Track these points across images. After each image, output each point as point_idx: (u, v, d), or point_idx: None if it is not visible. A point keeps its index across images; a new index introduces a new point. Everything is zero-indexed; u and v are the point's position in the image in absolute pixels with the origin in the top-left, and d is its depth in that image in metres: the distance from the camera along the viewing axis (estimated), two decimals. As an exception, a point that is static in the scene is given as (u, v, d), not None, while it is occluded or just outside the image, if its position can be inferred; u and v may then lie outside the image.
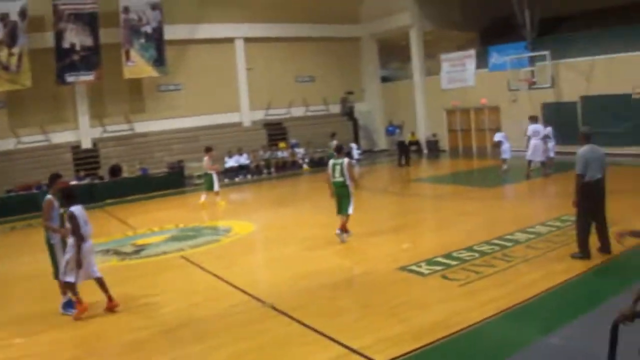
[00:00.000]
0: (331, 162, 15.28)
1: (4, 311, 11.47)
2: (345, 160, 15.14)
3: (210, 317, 9.96)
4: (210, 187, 23.30)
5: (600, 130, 27.51)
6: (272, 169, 34.07)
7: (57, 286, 11.02)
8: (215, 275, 12.51)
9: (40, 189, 25.42)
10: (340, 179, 14.89)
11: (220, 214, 21.78)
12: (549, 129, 23.87)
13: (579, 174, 11.17)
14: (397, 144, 32.59)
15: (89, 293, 10.77)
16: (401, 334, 8.36)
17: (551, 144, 23.69)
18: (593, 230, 11.23)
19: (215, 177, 23.36)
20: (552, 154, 23.79)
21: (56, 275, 10.98)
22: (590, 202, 11.19)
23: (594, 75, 28.72)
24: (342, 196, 14.98)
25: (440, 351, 7.85)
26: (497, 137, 25.87)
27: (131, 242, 17.42)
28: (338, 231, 14.87)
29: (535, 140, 23.02)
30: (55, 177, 11.48)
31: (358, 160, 35.98)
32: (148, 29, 32.94)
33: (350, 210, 14.91)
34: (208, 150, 23.61)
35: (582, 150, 11.38)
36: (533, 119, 24.40)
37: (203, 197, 23.46)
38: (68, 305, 10.78)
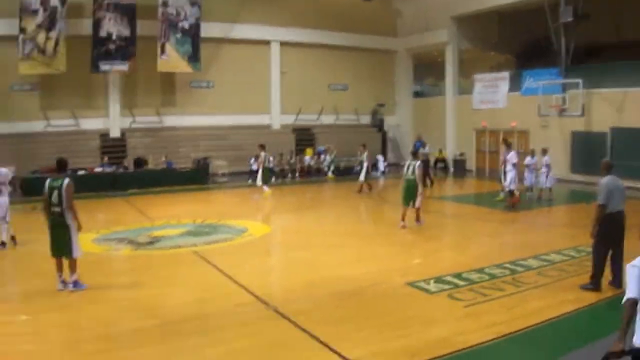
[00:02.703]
0: (407, 162, 18.75)
1: (16, 287, 11.65)
2: (418, 162, 18.43)
3: (212, 314, 10.03)
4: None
5: (628, 164, 27.44)
6: (297, 174, 34.09)
7: (58, 265, 11.31)
8: (224, 274, 12.54)
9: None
10: (412, 177, 18.03)
11: (240, 213, 21.76)
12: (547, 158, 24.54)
13: (603, 204, 10.94)
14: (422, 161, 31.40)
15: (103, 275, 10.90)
16: (399, 349, 8.33)
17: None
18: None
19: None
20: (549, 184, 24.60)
21: (68, 253, 11.20)
22: (611, 234, 11.03)
23: (625, 107, 28.47)
24: (410, 191, 18.04)
25: (436, 370, 7.79)
26: (511, 157, 22.88)
27: (147, 233, 17.47)
28: (401, 222, 18.08)
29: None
30: (65, 163, 11.68)
31: (383, 172, 36.00)
32: (185, 24, 33.19)
33: (418, 204, 18.16)
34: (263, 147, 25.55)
35: (605, 180, 11.15)
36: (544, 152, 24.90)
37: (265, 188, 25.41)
38: (77, 282, 11.23)
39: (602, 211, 10.94)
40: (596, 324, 9.60)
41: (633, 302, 4.87)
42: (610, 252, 11.14)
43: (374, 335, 8.82)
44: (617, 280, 11.05)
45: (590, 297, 10.70)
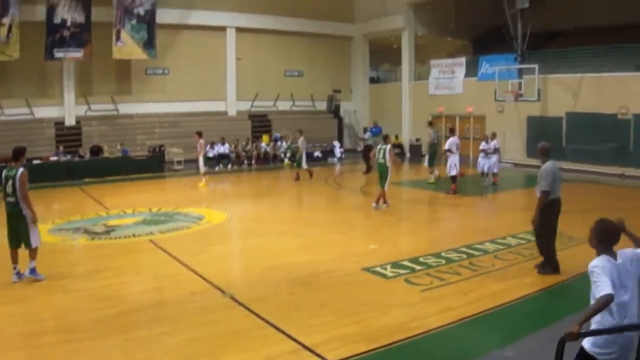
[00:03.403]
0: (379, 146, 19.40)
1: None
2: (388, 146, 18.99)
3: (169, 303, 9.96)
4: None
5: (583, 148, 27.84)
6: (253, 161, 33.93)
7: (13, 257, 11.13)
8: (180, 262, 12.41)
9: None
10: (382, 160, 18.72)
11: (195, 200, 21.65)
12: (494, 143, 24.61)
13: (547, 190, 10.89)
14: (364, 147, 31.16)
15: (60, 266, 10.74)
16: (355, 335, 8.30)
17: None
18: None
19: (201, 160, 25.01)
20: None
21: (26, 243, 11.04)
22: (552, 220, 11.11)
23: (581, 92, 28.78)
24: (382, 173, 18.82)
25: (392, 355, 7.78)
26: (449, 144, 23.17)
27: (103, 222, 17.30)
28: (374, 204, 19.01)
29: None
30: (23, 151, 11.40)
31: (340, 158, 35.95)
32: (141, 10, 32.65)
33: (386, 187, 18.79)
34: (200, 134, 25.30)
35: (549, 166, 11.07)
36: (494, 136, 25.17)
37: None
38: (34, 270, 11.12)
39: (546, 197, 10.91)
40: (552, 307, 9.64)
41: (610, 299, 4.90)
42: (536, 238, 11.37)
43: (331, 322, 8.79)
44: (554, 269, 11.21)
45: (546, 280, 10.80)
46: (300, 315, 9.10)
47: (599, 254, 5.36)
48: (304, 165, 26.57)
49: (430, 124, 27.89)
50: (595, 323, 5.21)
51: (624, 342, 5.19)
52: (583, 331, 4.93)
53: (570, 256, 11.63)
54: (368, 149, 29.32)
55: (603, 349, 5.18)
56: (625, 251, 5.44)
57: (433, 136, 26.35)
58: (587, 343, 5.28)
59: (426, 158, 26.26)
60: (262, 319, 8.89)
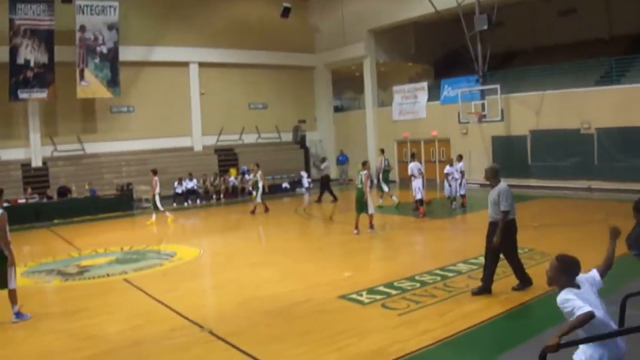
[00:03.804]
0: (359, 171, 19.88)
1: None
2: (365, 172, 19.54)
3: (149, 340, 9.82)
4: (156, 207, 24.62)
5: (549, 164, 28.26)
6: (222, 195, 33.90)
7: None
8: (156, 299, 12.33)
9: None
10: (360, 186, 19.45)
11: (166, 237, 21.60)
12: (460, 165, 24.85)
13: (508, 210, 10.88)
14: (321, 177, 31.07)
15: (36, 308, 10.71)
16: (337, 363, 8.28)
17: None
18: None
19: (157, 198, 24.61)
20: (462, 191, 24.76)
21: (5, 285, 10.95)
22: (513, 240, 11.21)
23: (543, 110, 29.27)
24: (359, 198, 19.49)
25: (374, 380, 7.80)
26: (411, 169, 24.04)
27: (76, 263, 17.18)
28: (355, 230, 19.40)
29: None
30: (0, 192, 11.38)
31: (308, 188, 36.03)
32: (104, 48, 32.72)
33: (370, 211, 19.37)
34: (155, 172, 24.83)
35: (504, 186, 11.11)
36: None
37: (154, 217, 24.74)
38: (19, 313, 11.11)
39: (507, 217, 10.92)
40: (529, 323, 9.73)
41: (591, 315, 5.03)
42: (505, 259, 11.40)
43: (312, 350, 8.79)
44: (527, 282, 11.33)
45: (521, 297, 10.90)
46: (281, 346, 9.07)
47: (563, 288, 5.49)
48: (259, 199, 26.33)
49: (382, 151, 28.62)
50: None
51: (617, 357, 5.32)
52: (563, 342, 5.03)
53: (543, 272, 11.72)
54: (326, 178, 29.60)
55: None
56: (581, 278, 5.61)
57: (384, 163, 27.11)
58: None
59: (383, 185, 26.67)
60: (244, 352, 8.84)
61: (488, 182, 11.40)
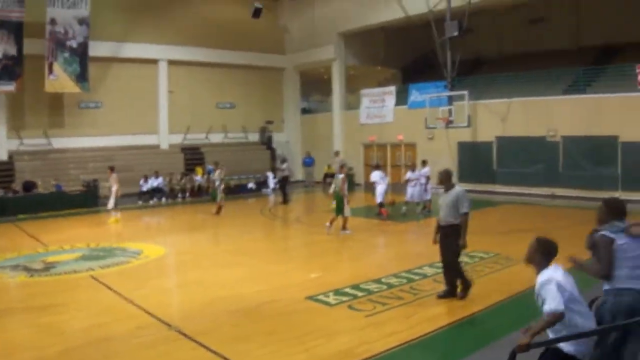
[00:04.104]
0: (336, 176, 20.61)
1: None
2: (340, 175, 20.28)
3: (116, 338, 9.80)
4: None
5: (514, 171, 28.60)
6: (187, 194, 33.81)
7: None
8: (123, 297, 12.28)
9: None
10: (337, 189, 19.94)
11: (130, 235, 21.48)
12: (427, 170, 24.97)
13: (469, 212, 10.97)
14: (281, 178, 31.54)
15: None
16: (304, 363, 8.35)
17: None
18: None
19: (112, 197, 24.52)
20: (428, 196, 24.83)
21: None
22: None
23: (510, 117, 29.62)
24: (337, 201, 19.86)
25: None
26: (373, 176, 24.51)
27: (42, 258, 17.01)
28: (341, 231, 19.75)
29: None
30: None
31: (274, 189, 36.00)
32: (73, 43, 32.39)
33: (345, 213, 19.84)
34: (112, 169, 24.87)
35: (460, 189, 11.23)
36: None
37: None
38: None
39: (468, 218, 11.00)
40: (494, 326, 9.87)
41: (560, 316, 5.17)
42: (446, 263, 11.39)
43: (279, 350, 8.83)
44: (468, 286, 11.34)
45: (486, 300, 11.06)
46: (249, 346, 9.10)
47: (542, 269, 5.65)
48: (218, 198, 26.23)
49: (337, 154, 29.09)
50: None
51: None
52: (534, 342, 5.19)
53: (509, 276, 11.95)
54: (285, 179, 29.77)
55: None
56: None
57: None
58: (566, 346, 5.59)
59: (332, 187, 26.79)
60: (212, 351, 8.86)
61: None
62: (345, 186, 20.13)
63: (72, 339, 9.71)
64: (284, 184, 30.36)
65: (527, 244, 6.17)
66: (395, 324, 9.89)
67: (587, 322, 5.54)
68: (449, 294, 11.24)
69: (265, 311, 11.02)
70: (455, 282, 11.28)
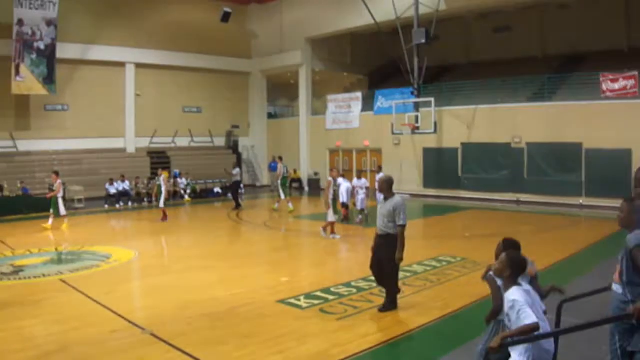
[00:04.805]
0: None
1: None
2: (329, 178, 21.24)
3: (88, 342, 9.74)
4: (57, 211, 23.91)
5: (479, 177, 28.97)
6: (154, 198, 33.73)
7: None
8: (95, 301, 12.25)
9: None
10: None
11: (99, 239, 21.39)
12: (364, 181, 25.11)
13: (406, 224, 10.79)
14: (232, 183, 31.20)
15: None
16: (279, 366, 8.47)
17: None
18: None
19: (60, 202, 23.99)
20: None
21: None
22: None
23: (475, 124, 30.01)
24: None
25: (317, 381, 8.00)
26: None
27: (10, 262, 16.87)
28: (332, 235, 19.86)
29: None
30: None
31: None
32: (41, 44, 32.24)
33: (329, 218, 19.80)
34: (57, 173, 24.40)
35: (402, 199, 10.96)
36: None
37: (51, 221, 23.91)
38: None
39: (405, 230, 10.81)
40: (462, 329, 10.00)
41: (536, 327, 5.36)
42: (384, 275, 11.26)
43: (254, 353, 8.93)
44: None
45: (455, 304, 11.32)
46: (224, 348, 9.19)
47: (511, 285, 5.82)
48: (161, 204, 25.97)
49: (280, 159, 29.12)
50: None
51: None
52: (506, 342, 5.37)
53: (476, 280, 12.13)
54: (236, 185, 29.97)
55: None
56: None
57: (283, 170, 27.99)
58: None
59: (280, 192, 27.19)
60: (187, 354, 8.92)
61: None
62: (331, 190, 20.56)
63: (44, 344, 9.65)
64: (236, 189, 30.42)
65: (493, 248, 6.41)
66: (367, 327, 10.09)
67: (543, 324, 5.72)
68: (392, 304, 11.07)
69: (238, 314, 11.11)
70: (395, 290, 11.17)
